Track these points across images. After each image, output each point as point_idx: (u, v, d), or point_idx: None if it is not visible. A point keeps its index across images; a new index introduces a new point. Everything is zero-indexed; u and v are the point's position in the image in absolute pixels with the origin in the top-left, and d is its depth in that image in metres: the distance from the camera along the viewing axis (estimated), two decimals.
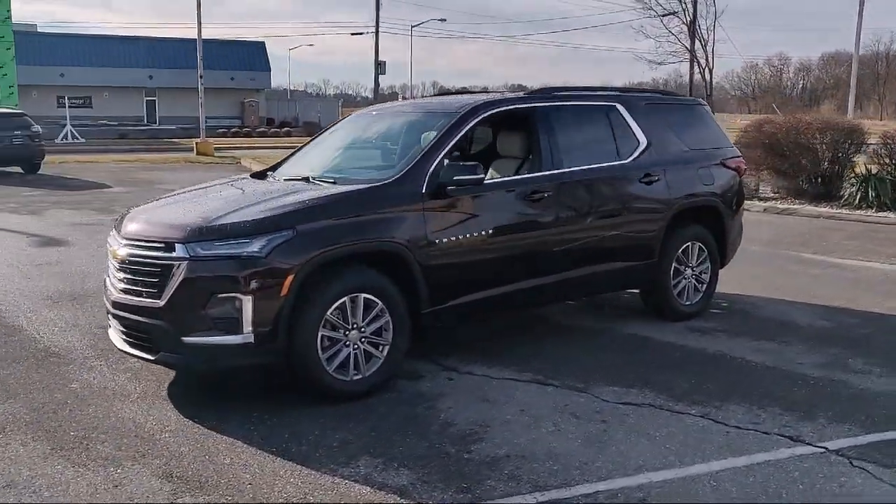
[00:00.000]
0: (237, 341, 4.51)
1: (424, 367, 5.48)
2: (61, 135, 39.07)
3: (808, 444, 4.24)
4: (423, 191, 5.13)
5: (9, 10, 50.90)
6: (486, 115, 5.71)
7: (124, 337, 4.93)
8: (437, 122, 5.63)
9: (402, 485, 3.79)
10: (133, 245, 4.83)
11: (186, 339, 4.55)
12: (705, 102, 7.48)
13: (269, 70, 62.34)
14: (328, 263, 4.73)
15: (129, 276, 4.84)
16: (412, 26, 63.95)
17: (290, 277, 4.55)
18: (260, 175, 6.15)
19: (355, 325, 4.83)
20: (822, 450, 4.17)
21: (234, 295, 4.48)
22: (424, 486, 3.78)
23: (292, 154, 6.60)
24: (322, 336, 4.71)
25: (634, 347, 5.99)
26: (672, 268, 6.54)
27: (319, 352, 4.70)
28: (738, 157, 7.27)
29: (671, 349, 5.93)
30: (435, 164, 5.22)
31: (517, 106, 5.97)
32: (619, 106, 6.39)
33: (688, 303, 6.70)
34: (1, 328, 6.36)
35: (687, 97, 8.08)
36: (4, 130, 20.09)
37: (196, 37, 29.58)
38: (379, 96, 54.22)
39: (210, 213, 4.87)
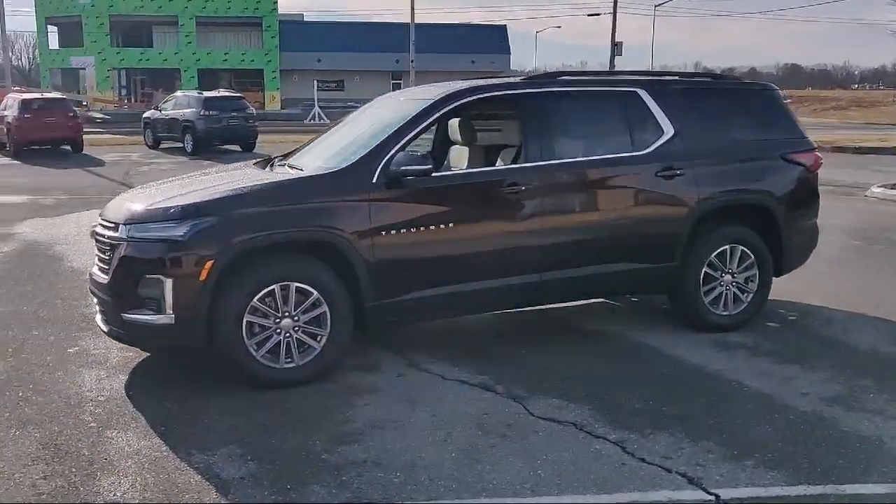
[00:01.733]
0: (161, 321, 4.70)
1: (388, 360, 5.39)
2: (309, 116, 42.16)
3: (700, 488, 3.66)
4: (374, 181, 5.00)
5: (275, 2, 55.88)
6: (459, 103, 5.42)
7: (96, 310, 5.31)
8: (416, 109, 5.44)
9: (232, 478, 3.77)
10: (100, 224, 5.18)
11: (124, 316, 4.82)
12: (775, 87, 6.54)
13: (509, 53, 63.10)
14: (255, 250, 4.77)
15: (96, 254, 5.20)
16: (655, 6, 61.66)
17: (210, 263, 4.65)
18: (263, 162, 6.25)
19: (287, 314, 4.84)
20: (712, 498, 3.58)
21: (158, 277, 4.67)
22: (251, 481, 3.75)
23: (313, 139, 6.63)
24: (248, 322, 4.76)
25: (629, 358, 5.47)
26: (702, 273, 5.83)
27: (245, 337, 4.76)
28: (809, 150, 6.31)
29: (666, 364, 5.34)
30: (389, 154, 5.06)
31: (504, 92, 5.62)
32: (640, 91, 5.79)
33: (725, 313, 5.96)
34: None
35: (751, 82, 7.11)
36: (223, 112, 22.18)
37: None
38: None
39: (157, 197, 5.10)
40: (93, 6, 53.18)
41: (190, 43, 55.30)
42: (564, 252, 5.47)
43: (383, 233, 4.99)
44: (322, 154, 5.68)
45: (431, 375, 5.12)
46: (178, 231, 4.69)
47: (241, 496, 3.62)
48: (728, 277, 5.94)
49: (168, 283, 4.66)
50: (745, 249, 5.95)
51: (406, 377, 5.11)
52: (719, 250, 5.88)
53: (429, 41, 58.61)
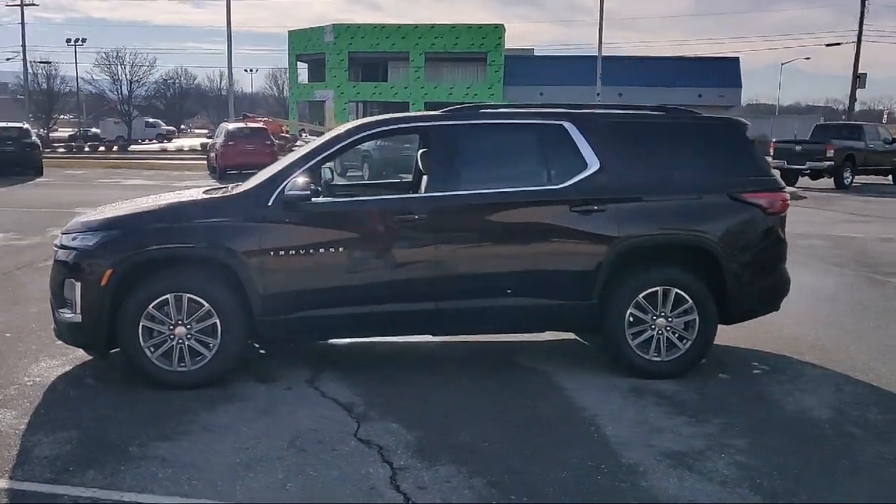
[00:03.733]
0: (73, 319, 5.38)
1: (293, 375, 5.68)
2: None
3: None
4: (269, 204, 5.37)
5: (500, 39, 57.66)
6: (361, 136, 5.71)
7: None
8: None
9: (47, 456, 4.26)
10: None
11: (56, 314, 5.55)
12: (739, 124, 6.04)
13: (740, 86, 60.38)
14: (151, 261, 5.32)
15: None
16: None
17: (109, 271, 5.25)
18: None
19: (180, 322, 5.33)
20: None
21: (72, 280, 5.35)
22: (65, 461, 4.21)
23: None
24: (144, 326, 5.30)
25: (519, 396, 5.32)
26: (626, 313, 5.57)
27: (141, 340, 5.31)
28: (768, 190, 5.79)
29: (550, 405, 5.17)
30: (287, 180, 5.41)
31: (411, 125, 5.80)
32: (567, 125, 5.67)
33: (656, 358, 5.63)
34: None
35: (711, 117, 6.52)
36: None
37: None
38: (853, 114, 48.77)
39: (97, 212, 5.82)
40: (335, 44, 57.96)
41: (419, 78, 58.52)
42: (463, 283, 5.49)
43: (272, 253, 5.33)
44: (259, 177, 6.13)
45: (314, 391, 5.36)
46: (89, 242, 5.35)
47: (42, 472, 4.08)
48: (661, 321, 5.61)
49: (78, 286, 5.31)
50: (681, 292, 5.59)
51: (291, 390, 5.38)
52: (648, 291, 5.58)
53: (653, 74, 57.60)
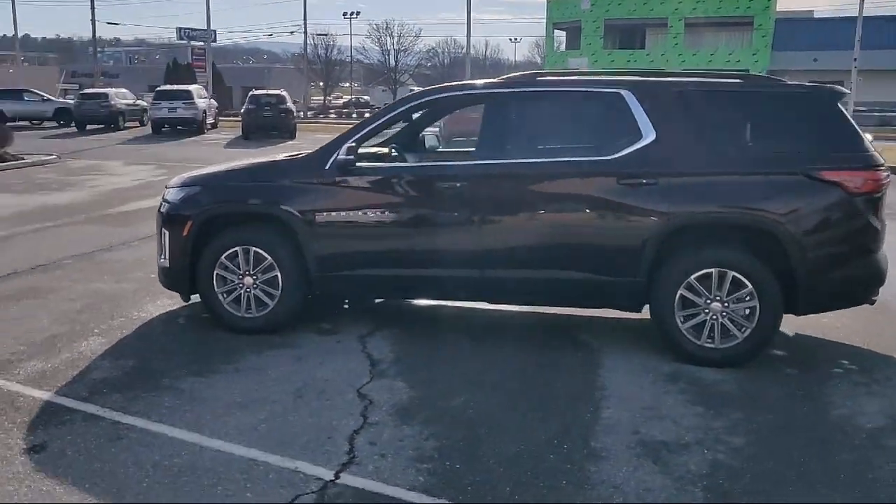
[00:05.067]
0: (164, 265, 6.12)
1: (352, 328, 6.02)
2: None
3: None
4: (327, 168, 5.72)
5: (768, 1, 53.73)
6: (418, 102, 5.83)
7: None
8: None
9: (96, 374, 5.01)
10: None
11: (158, 259, 6.34)
12: (828, 92, 5.34)
13: None
14: (222, 216, 5.89)
15: None
16: None
17: (190, 223, 5.91)
18: None
19: (247, 272, 5.88)
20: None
21: (164, 229, 6.08)
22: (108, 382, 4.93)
23: None
24: (217, 274, 5.91)
25: (542, 369, 5.28)
26: (676, 295, 5.28)
27: (215, 286, 5.93)
28: (856, 168, 5.12)
29: (562, 380, 5.08)
30: (346, 145, 5.72)
31: (460, 93, 5.84)
32: (625, 93, 5.41)
33: (709, 345, 5.28)
34: None
35: (794, 84, 5.69)
36: None
37: None
38: None
39: (196, 170, 6.50)
40: (591, 11, 57.17)
41: (677, 44, 56.14)
42: (505, 252, 5.49)
43: (325, 213, 5.68)
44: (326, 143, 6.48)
45: (358, 345, 5.66)
46: (177, 196, 6.04)
47: (81, 390, 4.80)
48: (716, 305, 5.24)
49: (167, 235, 6.02)
50: (739, 276, 5.18)
51: (340, 343, 5.72)
52: (701, 273, 5.23)
53: None
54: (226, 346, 5.61)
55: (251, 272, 5.84)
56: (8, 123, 33.60)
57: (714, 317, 5.25)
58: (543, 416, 4.49)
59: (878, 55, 51.63)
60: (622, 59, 58.92)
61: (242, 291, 5.87)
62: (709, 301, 5.24)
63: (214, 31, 67.93)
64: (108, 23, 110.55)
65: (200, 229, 5.88)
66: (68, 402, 4.63)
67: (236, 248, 5.84)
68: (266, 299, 5.85)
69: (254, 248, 5.81)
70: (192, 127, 31.13)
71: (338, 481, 3.72)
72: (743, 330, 5.23)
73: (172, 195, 6.09)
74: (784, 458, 4.01)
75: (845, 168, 5.11)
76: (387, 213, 5.66)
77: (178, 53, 63.00)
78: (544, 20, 64.24)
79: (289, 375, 5.08)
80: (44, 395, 4.72)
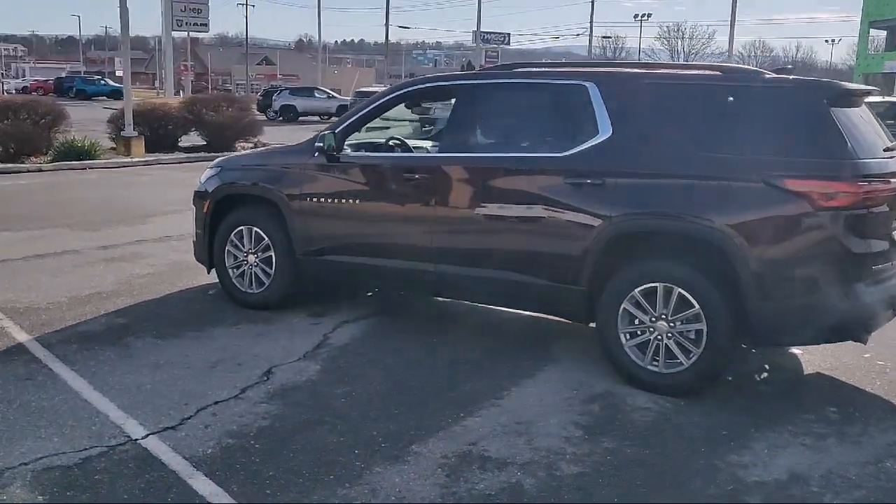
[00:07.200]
0: (194, 239, 6.73)
1: (348, 313, 6.20)
2: None
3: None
4: (315, 154, 5.95)
5: None
6: (394, 95, 5.80)
7: None
8: None
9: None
10: None
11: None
12: (816, 88, 4.44)
13: None
14: (233, 196, 6.35)
15: None
16: None
17: (209, 201, 6.45)
18: None
19: (250, 251, 6.30)
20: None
21: (195, 206, 6.68)
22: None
23: None
24: (228, 251, 6.40)
25: (479, 366, 5.09)
26: (619, 308, 4.81)
27: (226, 262, 6.42)
28: (821, 177, 4.27)
29: (489, 378, 4.86)
30: (330, 132, 5.89)
31: (437, 84, 5.70)
32: (589, 86, 4.99)
33: (654, 368, 4.74)
34: None
35: (778, 79, 4.61)
36: None
37: None
38: None
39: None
40: None
41: None
42: (457, 247, 5.34)
43: (308, 198, 5.91)
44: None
45: (332, 329, 5.81)
46: (207, 176, 6.60)
47: (56, 339, 5.50)
48: (662, 325, 4.69)
49: (195, 210, 6.61)
50: (685, 294, 4.60)
51: (318, 325, 5.91)
52: (646, 286, 4.71)
53: None
54: (215, 317, 6.03)
55: (253, 250, 6.20)
56: (300, 118, 37.70)
57: (659, 337, 4.69)
58: (400, 415, 4.34)
59: None
60: None
61: (246, 268, 6.26)
62: (654, 319, 4.69)
63: (508, 34, 70.28)
64: (400, 26, 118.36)
65: (216, 208, 6.36)
66: (34, 345, 5.31)
67: (241, 228, 6.24)
68: (263, 278, 6.20)
69: (255, 228, 6.18)
70: None
71: (138, 441, 3.93)
72: (689, 355, 4.61)
73: (204, 175, 6.64)
74: (591, 496, 3.55)
75: (815, 177, 4.30)
76: (357, 201, 5.74)
77: (471, 57, 65.94)
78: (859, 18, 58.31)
79: (230, 347, 5.36)
80: (25, 337, 5.45)
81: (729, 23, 37.64)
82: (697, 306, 4.53)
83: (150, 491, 3.47)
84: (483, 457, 3.87)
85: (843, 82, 4.80)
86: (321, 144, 5.72)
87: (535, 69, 5.49)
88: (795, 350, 5.54)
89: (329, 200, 5.81)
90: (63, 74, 73.49)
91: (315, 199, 5.86)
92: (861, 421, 4.44)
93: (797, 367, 5.36)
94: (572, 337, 5.70)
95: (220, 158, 6.86)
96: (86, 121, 23.05)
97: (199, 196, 6.53)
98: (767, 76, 4.84)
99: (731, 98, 4.63)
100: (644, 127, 4.79)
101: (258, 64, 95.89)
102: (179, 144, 20.04)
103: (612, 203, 4.74)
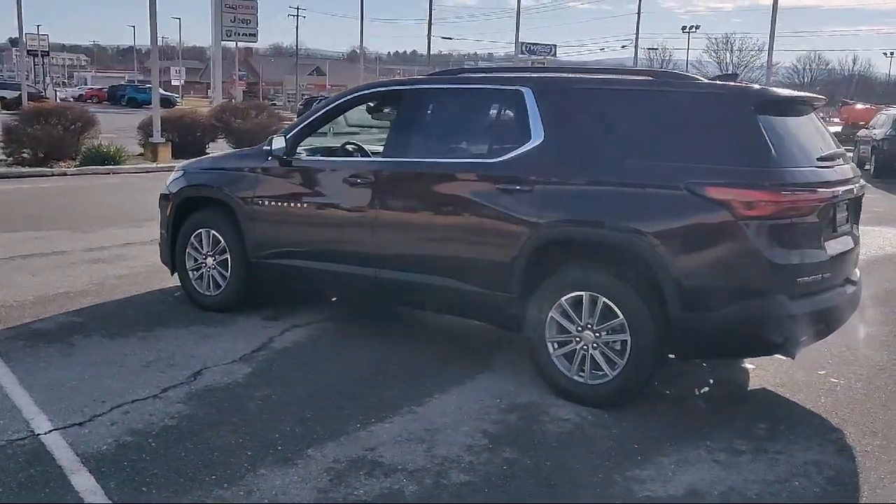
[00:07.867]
0: (159, 241, 6.81)
1: (310, 318, 6.19)
2: None
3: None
4: (269, 158, 5.97)
5: None
6: (345, 100, 5.80)
7: None
8: None
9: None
10: None
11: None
12: (745, 95, 4.30)
13: None
14: (191, 200, 6.41)
15: None
16: None
17: (171, 203, 6.53)
18: None
19: (208, 254, 6.34)
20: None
21: (160, 209, 6.76)
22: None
23: None
24: (189, 253, 6.46)
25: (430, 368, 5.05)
26: (547, 316, 4.73)
27: (186, 264, 6.47)
28: (742, 185, 4.13)
29: (433, 381, 4.81)
30: (281, 137, 5.91)
31: (386, 89, 5.72)
32: (525, 91, 4.92)
33: (579, 378, 4.64)
34: None
35: (708, 84, 4.44)
36: None
37: None
38: None
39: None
40: None
41: None
42: (396, 253, 5.31)
43: (260, 201, 5.93)
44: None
45: (282, 333, 5.81)
46: (171, 178, 6.68)
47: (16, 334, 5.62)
48: (588, 335, 4.59)
49: (160, 213, 6.70)
50: (609, 303, 4.50)
51: (268, 328, 5.92)
52: (572, 295, 4.62)
53: None
54: (170, 318, 6.08)
55: (211, 253, 6.25)
56: None
57: (585, 347, 4.59)
58: (311, 419, 4.31)
59: None
60: None
61: (205, 271, 6.31)
62: (580, 329, 4.59)
63: (554, 46, 70.07)
64: (443, 37, 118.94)
65: (178, 210, 6.43)
66: None
67: (200, 231, 6.29)
68: (220, 280, 6.24)
69: (212, 231, 6.22)
70: None
71: (39, 436, 3.97)
72: (614, 367, 4.51)
73: (170, 177, 6.72)
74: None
75: (735, 185, 4.17)
76: (304, 205, 5.75)
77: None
78: None
79: (171, 347, 5.40)
80: None
81: (776, 36, 36.82)
82: (622, 316, 4.42)
83: (28, 485, 3.50)
84: (375, 462, 3.82)
85: (776, 89, 4.65)
86: (269, 148, 5.74)
87: (477, 74, 5.44)
88: (748, 364, 5.37)
89: (278, 204, 5.82)
90: (122, 83, 75.34)
91: (266, 203, 5.88)
92: (786, 438, 4.27)
93: (743, 382, 5.19)
94: (522, 346, 5.60)
95: (186, 161, 6.92)
96: (128, 127, 23.48)
97: (164, 198, 6.61)
98: (698, 81, 4.72)
99: (666, 103, 4.52)
100: (574, 133, 4.71)
101: (309, 74, 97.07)
102: (207, 151, 20.35)
103: (539, 210, 4.66)
